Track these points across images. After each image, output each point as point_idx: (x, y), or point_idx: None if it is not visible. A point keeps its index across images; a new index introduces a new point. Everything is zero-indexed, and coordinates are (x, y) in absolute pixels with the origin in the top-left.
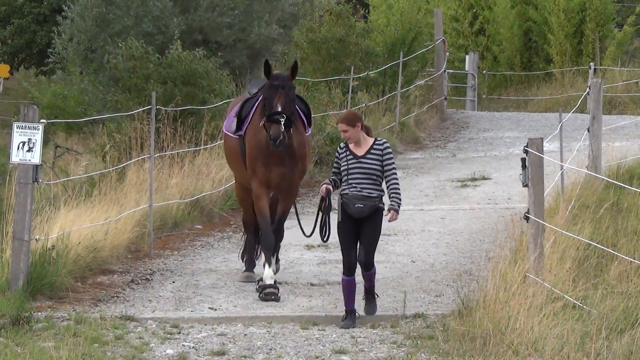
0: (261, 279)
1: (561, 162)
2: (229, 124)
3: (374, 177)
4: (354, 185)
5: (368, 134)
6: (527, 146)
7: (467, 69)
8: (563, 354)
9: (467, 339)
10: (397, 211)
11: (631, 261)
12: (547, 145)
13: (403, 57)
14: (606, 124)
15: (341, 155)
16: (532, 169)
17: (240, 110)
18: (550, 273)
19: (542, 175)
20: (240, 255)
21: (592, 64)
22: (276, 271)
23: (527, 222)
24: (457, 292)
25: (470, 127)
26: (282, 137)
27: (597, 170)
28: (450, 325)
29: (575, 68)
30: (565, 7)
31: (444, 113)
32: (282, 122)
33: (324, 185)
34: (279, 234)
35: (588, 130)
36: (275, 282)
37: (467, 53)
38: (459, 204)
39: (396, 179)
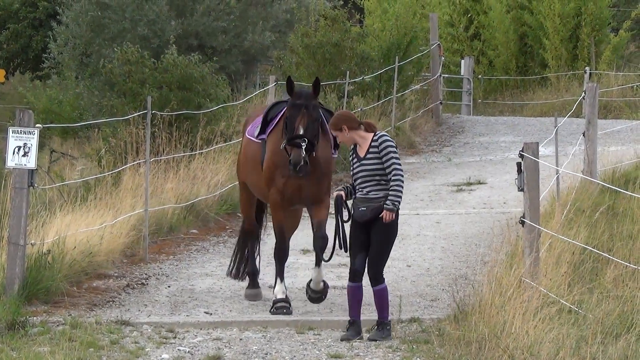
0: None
1: (557, 166)
2: (253, 130)
3: (377, 178)
4: (359, 188)
5: (369, 130)
6: (522, 150)
7: (462, 73)
8: (559, 359)
9: (462, 344)
10: (392, 211)
11: (626, 265)
12: (542, 150)
13: (398, 62)
14: (601, 129)
15: (350, 159)
16: (527, 173)
17: (266, 113)
18: (546, 277)
19: (538, 179)
20: (230, 272)
21: (587, 68)
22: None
23: (523, 226)
24: (452, 296)
25: (466, 132)
26: (302, 162)
27: (593, 174)
28: (445, 330)
29: (571, 72)
30: (560, 11)
31: (439, 117)
32: (304, 147)
33: (336, 192)
34: (323, 240)
35: (583, 135)
36: (286, 296)
37: (462, 57)
38: (454, 208)
39: (398, 174)
